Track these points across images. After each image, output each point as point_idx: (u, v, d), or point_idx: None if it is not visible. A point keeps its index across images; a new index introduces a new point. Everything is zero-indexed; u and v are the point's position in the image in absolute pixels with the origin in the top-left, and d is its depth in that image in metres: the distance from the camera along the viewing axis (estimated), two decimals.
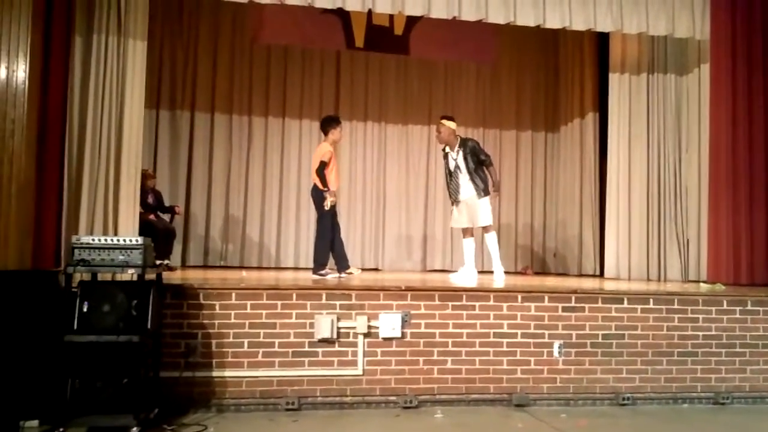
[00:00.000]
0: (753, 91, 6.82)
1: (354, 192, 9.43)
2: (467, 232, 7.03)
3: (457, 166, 6.82)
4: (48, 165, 5.34)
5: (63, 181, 5.51)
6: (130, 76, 5.93)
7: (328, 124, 6.53)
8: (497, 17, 6.42)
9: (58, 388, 3.81)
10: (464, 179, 6.79)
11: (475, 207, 6.78)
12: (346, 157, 9.44)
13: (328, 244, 6.29)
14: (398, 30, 8.92)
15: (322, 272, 6.14)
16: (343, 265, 6.31)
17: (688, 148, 7.31)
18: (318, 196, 6.24)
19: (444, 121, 6.96)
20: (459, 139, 6.93)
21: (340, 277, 6.10)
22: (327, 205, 6.18)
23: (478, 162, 6.81)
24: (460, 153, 6.82)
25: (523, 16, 6.45)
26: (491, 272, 7.08)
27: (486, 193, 6.80)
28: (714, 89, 6.87)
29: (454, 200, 6.95)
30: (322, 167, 6.20)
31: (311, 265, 6.38)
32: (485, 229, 6.92)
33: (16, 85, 5.04)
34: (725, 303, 5.23)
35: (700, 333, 5.13)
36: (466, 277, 6.75)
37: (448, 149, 6.92)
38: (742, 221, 6.68)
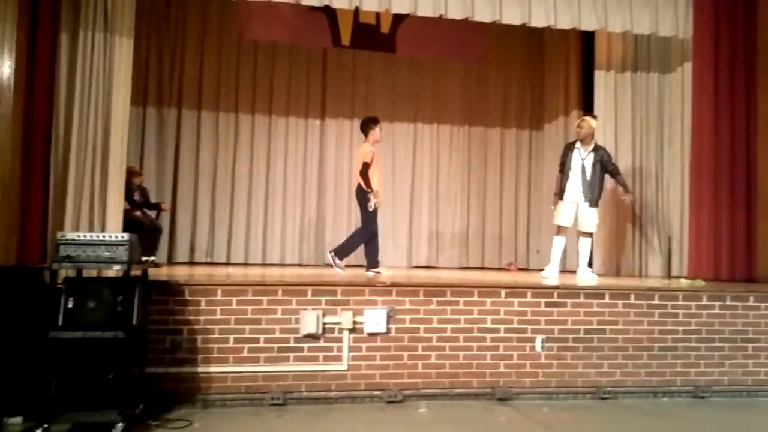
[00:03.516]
0: (735, 90, 6.92)
1: (340, 189, 9.44)
2: (563, 230, 6.73)
3: (584, 168, 6.62)
4: (34, 161, 5.34)
5: (49, 178, 5.51)
6: (116, 73, 5.92)
7: (366, 125, 6.62)
8: (483, 15, 6.46)
9: (42, 384, 3.82)
10: (585, 182, 6.60)
11: (585, 213, 6.64)
12: (333, 155, 9.47)
13: (377, 242, 6.41)
14: (385, 28, 8.93)
15: (377, 270, 6.22)
16: (372, 263, 6.40)
17: (671, 145, 7.40)
18: (362, 196, 6.33)
19: (588, 119, 6.79)
20: (594, 143, 6.76)
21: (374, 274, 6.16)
22: (371, 206, 6.28)
23: (606, 171, 6.70)
24: (592, 156, 6.63)
25: (508, 14, 6.50)
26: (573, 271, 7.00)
27: (598, 204, 6.72)
28: (696, 87, 6.96)
29: (567, 198, 6.64)
30: (366, 168, 6.28)
31: (297, 261, 6.41)
32: (588, 234, 6.78)
33: (2, 81, 5.05)
34: (705, 298, 5.31)
35: (680, 328, 5.22)
36: (553, 274, 6.55)
37: (580, 146, 6.70)
38: (723, 218, 6.78)
